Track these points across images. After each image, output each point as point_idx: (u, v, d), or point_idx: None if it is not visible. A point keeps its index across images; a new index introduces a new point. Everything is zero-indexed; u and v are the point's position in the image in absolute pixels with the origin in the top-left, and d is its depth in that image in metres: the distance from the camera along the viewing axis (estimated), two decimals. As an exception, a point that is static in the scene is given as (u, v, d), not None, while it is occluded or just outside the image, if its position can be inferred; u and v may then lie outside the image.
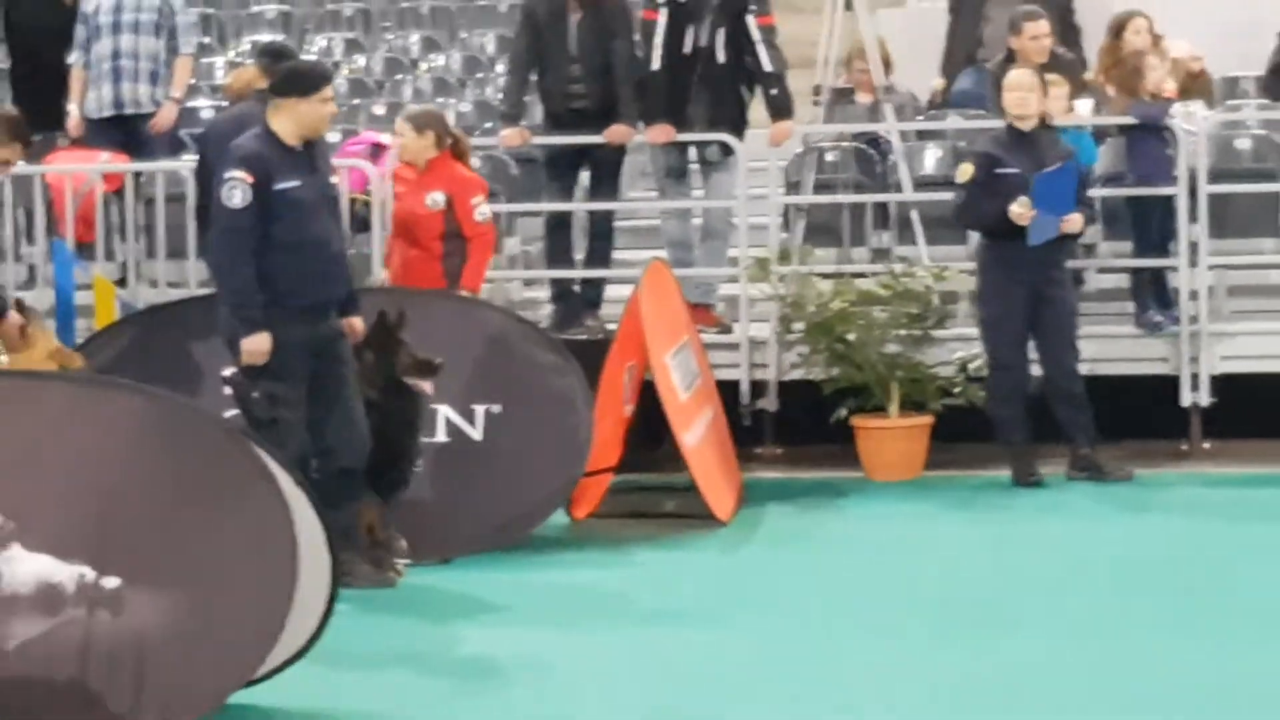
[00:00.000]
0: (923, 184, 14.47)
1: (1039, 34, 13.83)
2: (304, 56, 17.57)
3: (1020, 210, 12.46)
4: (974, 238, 13.63)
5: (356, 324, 10.48)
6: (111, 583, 7.49)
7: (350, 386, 10.31)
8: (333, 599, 8.05)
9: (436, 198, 12.05)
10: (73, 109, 15.03)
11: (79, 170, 14.38)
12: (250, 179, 9.96)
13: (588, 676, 8.73)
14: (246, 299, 10.04)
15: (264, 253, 10.02)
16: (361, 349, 10.46)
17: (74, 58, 15.06)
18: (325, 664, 8.27)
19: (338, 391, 10.24)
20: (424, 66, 18.26)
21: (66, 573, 7.50)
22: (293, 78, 10.50)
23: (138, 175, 14.42)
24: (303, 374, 10.12)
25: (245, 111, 12.08)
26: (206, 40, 18.39)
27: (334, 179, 10.69)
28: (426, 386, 10.62)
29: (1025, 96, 12.87)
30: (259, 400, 10.07)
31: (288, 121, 10.13)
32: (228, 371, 10.42)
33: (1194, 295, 13.63)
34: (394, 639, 9.44)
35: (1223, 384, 13.59)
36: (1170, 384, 13.65)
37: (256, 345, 9.96)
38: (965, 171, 12.82)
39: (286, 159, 10.10)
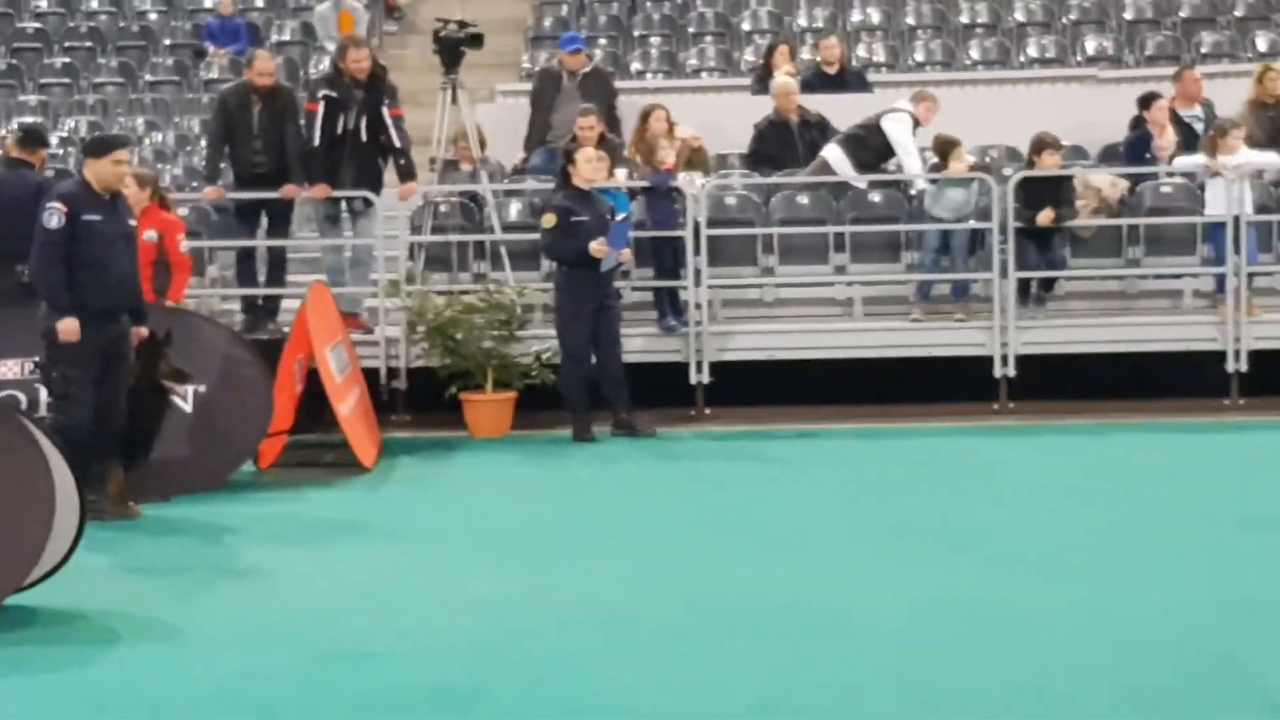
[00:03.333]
0: (509, 228, 14.47)
1: (589, 125, 13.93)
2: (57, 132, 17.16)
3: (600, 248, 12.57)
4: (548, 265, 13.67)
5: (142, 332, 10.31)
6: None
7: (123, 376, 10.16)
8: (81, 528, 7.90)
9: (151, 235, 11.84)
10: None
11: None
12: (64, 209, 9.84)
13: (271, 581, 8.64)
14: (58, 295, 9.88)
15: (72, 268, 9.87)
16: (137, 353, 10.31)
17: None
18: (78, 576, 8.10)
19: (115, 378, 10.08)
20: (148, 141, 17.82)
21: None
22: (91, 143, 10.60)
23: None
24: (94, 363, 9.96)
25: None
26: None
27: (131, 221, 10.50)
28: (178, 389, 10.56)
29: (599, 166, 13.08)
30: (57, 379, 9.98)
31: (91, 174, 10.02)
32: (38, 359, 10.35)
33: (698, 306, 13.83)
34: (129, 556, 9.23)
35: (718, 368, 13.78)
36: (682, 368, 13.79)
37: (68, 326, 9.82)
38: (549, 220, 12.78)
39: (93, 200, 9.97)
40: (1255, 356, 13.61)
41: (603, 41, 17.63)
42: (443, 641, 7.27)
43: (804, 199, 14.79)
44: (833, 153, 14.63)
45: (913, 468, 11.62)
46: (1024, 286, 13.97)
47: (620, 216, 13.06)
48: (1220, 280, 13.97)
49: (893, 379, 13.81)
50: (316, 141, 13.71)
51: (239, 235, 14.16)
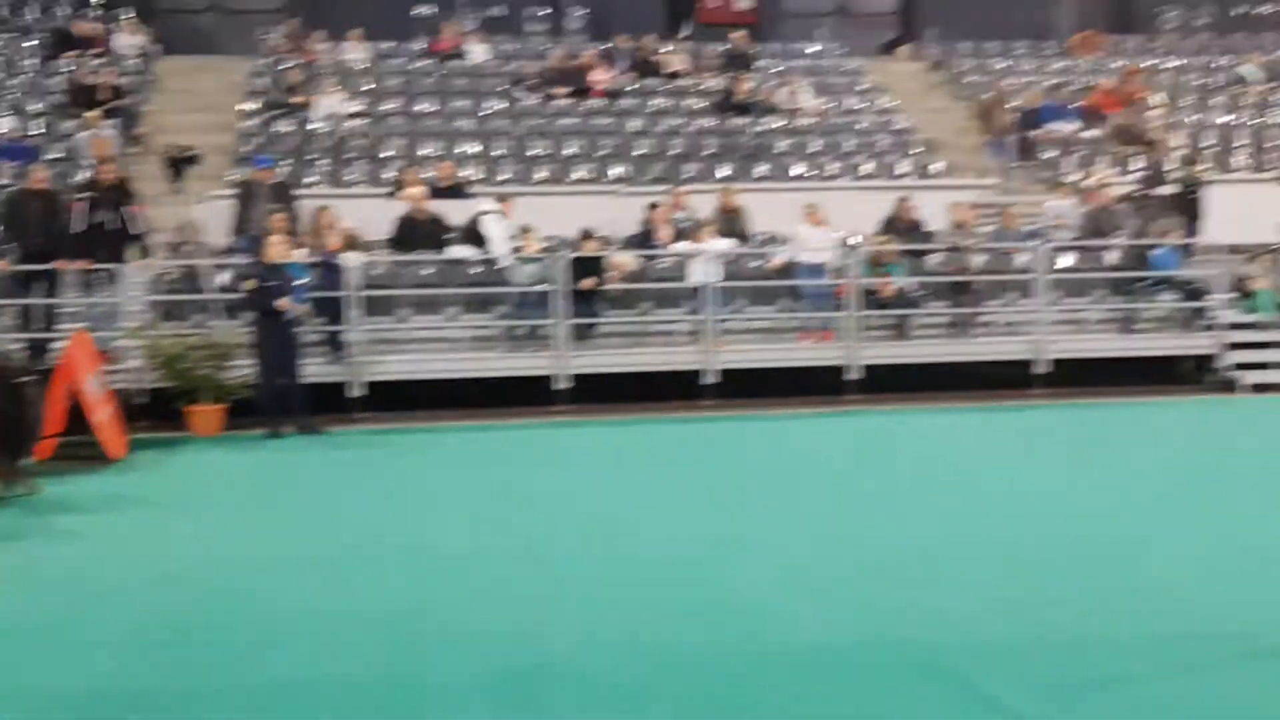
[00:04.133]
0: (220, 290, 14.32)
1: (277, 220, 13.72)
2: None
3: (285, 304, 12.70)
4: (249, 315, 13.40)
5: None
6: None
7: None
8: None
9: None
10: None
11: None
12: None
13: (46, 539, 8.47)
14: None
15: None
16: None
17: None
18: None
19: None
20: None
21: None
22: None
23: None
24: None
25: None
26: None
27: None
28: (28, 379, 10.13)
29: (285, 247, 13.04)
30: None
31: None
32: None
33: (355, 343, 13.96)
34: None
35: (370, 385, 13.79)
36: (344, 386, 13.79)
37: None
38: (250, 284, 12.85)
39: None
40: (724, 373, 14.49)
41: (286, 161, 17.75)
42: (173, 579, 7.19)
43: (428, 270, 15.04)
44: (454, 250, 15.06)
45: (502, 450, 11.80)
46: (576, 329, 14.53)
47: (299, 281, 13.19)
48: (699, 324, 14.84)
49: (489, 392, 14.13)
50: (80, 228, 13.66)
51: (22, 295, 13.96)
